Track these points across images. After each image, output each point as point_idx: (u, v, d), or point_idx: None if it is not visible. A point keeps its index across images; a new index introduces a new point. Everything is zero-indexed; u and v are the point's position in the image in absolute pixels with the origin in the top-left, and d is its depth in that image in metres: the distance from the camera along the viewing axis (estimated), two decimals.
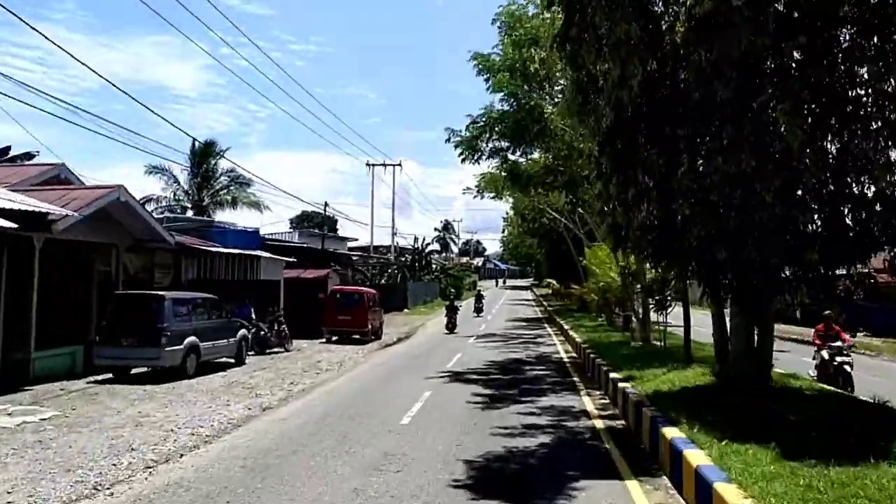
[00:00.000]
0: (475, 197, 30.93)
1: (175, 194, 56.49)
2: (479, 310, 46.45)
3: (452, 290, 66.91)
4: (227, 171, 57.34)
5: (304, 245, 37.51)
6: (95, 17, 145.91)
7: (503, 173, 19.93)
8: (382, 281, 56.38)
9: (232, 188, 58.64)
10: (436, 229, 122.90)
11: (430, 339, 29.43)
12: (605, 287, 25.05)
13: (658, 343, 18.71)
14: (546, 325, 36.50)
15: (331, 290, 26.63)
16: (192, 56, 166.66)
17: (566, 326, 28.01)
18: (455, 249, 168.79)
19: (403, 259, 65.70)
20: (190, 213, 51.97)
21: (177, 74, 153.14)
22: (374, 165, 52.01)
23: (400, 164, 52.61)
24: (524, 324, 38.63)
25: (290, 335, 21.86)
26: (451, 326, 32.28)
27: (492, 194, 31.37)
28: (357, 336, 26.18)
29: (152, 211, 49.54)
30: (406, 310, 48.62)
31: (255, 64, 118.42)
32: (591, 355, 16.87)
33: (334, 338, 26.55)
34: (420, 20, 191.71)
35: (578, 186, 18.81)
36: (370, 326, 26.47)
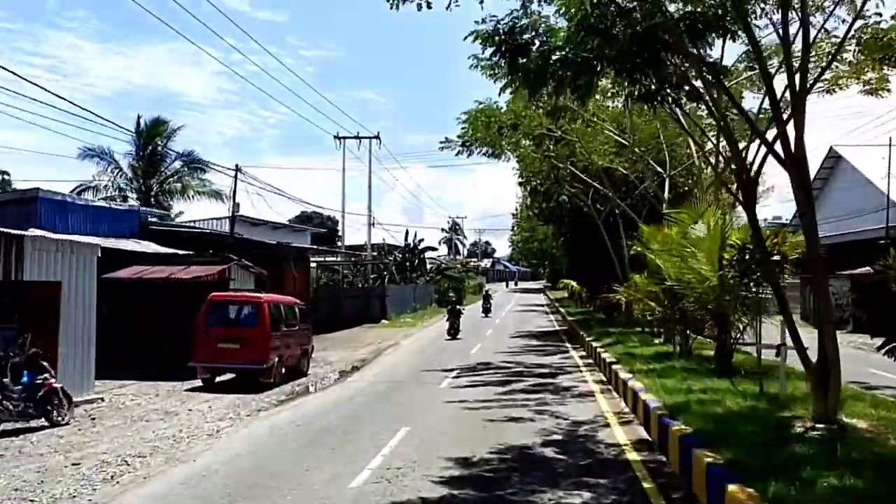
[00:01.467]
0: (458, 153, 19.59)
1: (114, 182, 46.61)
2: (486, 310, 44.10)
3: (452, 294, 56.24)
4: (183, 154, 47.17)
5: (218, 233, 26.73)
6: (108, 25, 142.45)
7: (497, 54, 8.88)
8: (365, 284, 45.68)
9: (184, 175, 48.56)
10: (442, 229, 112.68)
11: (388, 374, 18.51)
12: (680, 290, 13.96)
13: (861, 426, 7.69)
14: (568, 346, 25.41)
15: (207, 300, 15.71)
16: (204, 63, 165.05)
17: (606, 355, 16.95)
18: (463, 251, 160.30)
19: (392, 258, 54.91)
20: (134, 204, 42.13)
21: (189, 81, 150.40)
22: (343, 139, 41.20)
23: (378, 137, 41.57)
24: (536, 343, 27.59)
25: (62, 391, 10.93)
26: (452, 332, 29.15)
27: (484, 150, 20.01)
28: (257, 375, 15.38)
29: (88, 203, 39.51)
30: (385, 320, 37.77)
31: (266, 70, 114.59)
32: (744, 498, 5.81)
33: (218, 379, 15.74)
34: (430, 24, 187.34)
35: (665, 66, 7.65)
36: (275, 359, 15.58)
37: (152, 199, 44.15)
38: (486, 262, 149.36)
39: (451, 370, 18.18)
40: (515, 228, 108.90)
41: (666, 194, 19.91)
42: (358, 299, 38.00)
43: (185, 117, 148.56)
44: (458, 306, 32.08)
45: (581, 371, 17.78)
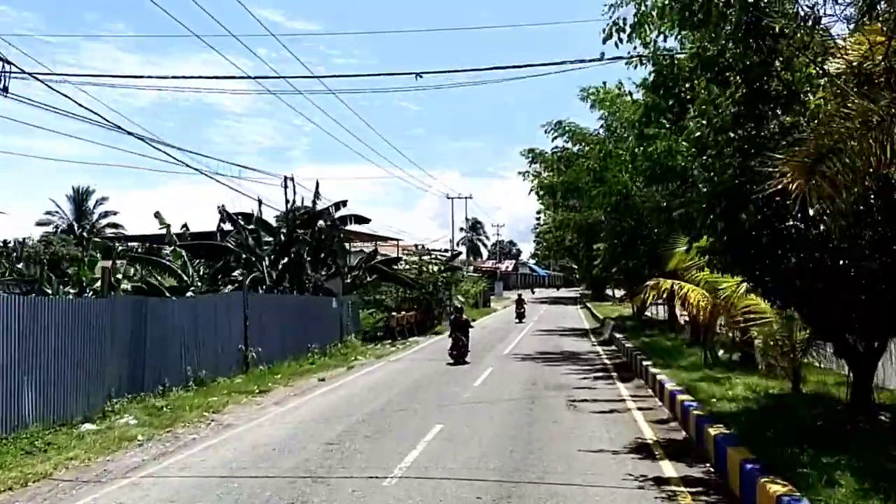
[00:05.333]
0: None
1: None
2: (521, 315, 39.30)
3: (410, 308, 27.07)
4: None
5: None
6: (146, 37, 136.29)
7: None
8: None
9: None
10: (461, 229, 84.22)
11: None
12: None
13: None
14: None
15: None
16: (238, 73, 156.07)
17: None
18: (485, 253, 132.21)
19: (270, 241, 25.87)
20: None
21: (224, 91, 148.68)
22: None
23: None
24: None
25: None
26: (457, 354, 20.01)
27: None
28: None
29: None
30: None
31: (296, 80, 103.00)
32: None
33: None
34: (462, 30, 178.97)
35: None
36: None
37: None
38: (508, 265, 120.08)
39: None
40: (542, 211, 78.66)
41: None
42: None
43: (220, 126, 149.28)
44: (463, 316, 21.07)
45: None
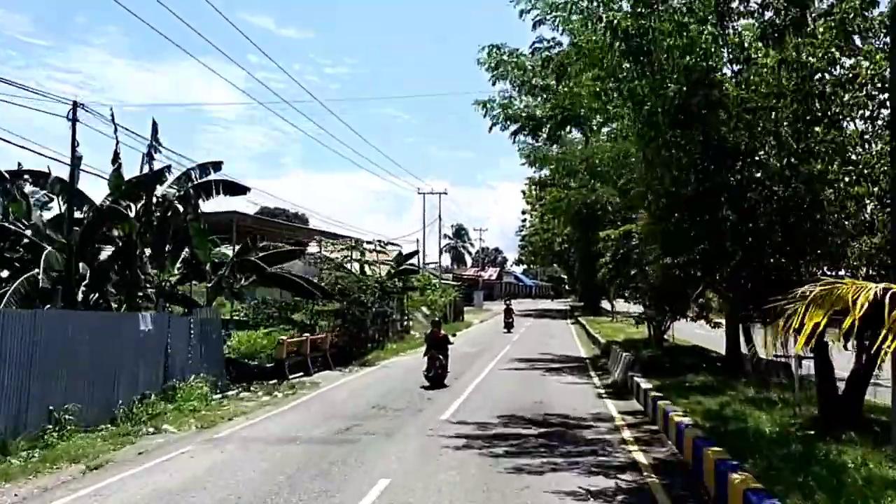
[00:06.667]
0: None
1: None
2: (509, 325, 38.95)
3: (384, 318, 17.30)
4: None
5: None
6: (137, 42, 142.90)
7: None
8: None
9: None
10: (446, 235, 75.22)
11: None
12: None
13: None
14: None
15: None
16: (229, 78, 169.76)
17: None
18: (469, 261, 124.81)
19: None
20: None
21: (215, 96, 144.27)
22: None
23: None
24: None
25: None
26: (433, 377, 16.68)
27: None
28: None
29: None
30: None
31: (287, 89, 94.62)
32: None
33: None
34: (455, 39, 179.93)
35: None
36: None
37: None
38: (492, 273, 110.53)
39: None
40: (527, 219, 68.54)
41: None
42: None
43: (210, 132, 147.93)
44: (440, 331, 18.05)
45: None
